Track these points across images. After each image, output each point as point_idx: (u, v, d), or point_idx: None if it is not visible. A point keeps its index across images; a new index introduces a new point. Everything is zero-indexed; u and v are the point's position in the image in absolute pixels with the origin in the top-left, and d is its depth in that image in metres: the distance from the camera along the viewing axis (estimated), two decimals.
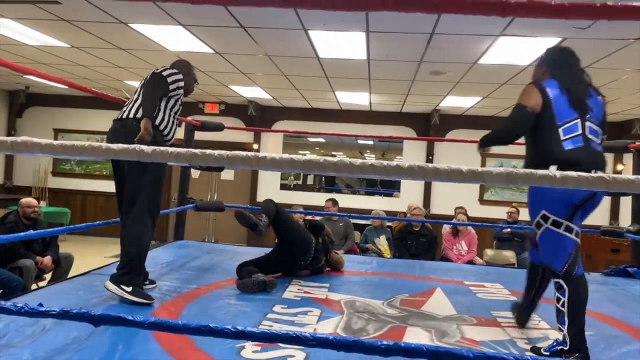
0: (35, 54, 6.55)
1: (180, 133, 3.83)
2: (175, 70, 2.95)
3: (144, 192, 2.80)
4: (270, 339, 1.22)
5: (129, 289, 2.69)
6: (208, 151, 1.16)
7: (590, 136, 2.33)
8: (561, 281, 2.29)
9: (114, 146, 1.15)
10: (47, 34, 5.62)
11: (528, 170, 1.11)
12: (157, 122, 2.83)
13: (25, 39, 5.86)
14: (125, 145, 1.18)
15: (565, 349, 2.25)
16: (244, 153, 1.18)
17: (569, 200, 2.27)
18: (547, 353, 2.33)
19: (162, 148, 1.15)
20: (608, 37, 4.50)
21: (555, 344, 2.35)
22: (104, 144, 1.16)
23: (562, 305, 2.28)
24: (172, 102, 2.94)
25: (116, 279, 2.71)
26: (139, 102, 2.85)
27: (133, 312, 2.38)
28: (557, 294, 2.32)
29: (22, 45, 6.12)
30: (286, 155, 1.17)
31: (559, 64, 2.49)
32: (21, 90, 9.81)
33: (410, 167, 1.10)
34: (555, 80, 2.40)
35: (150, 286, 3.07)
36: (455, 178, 1.10)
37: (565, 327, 2.26)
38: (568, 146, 2.30)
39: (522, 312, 2.81)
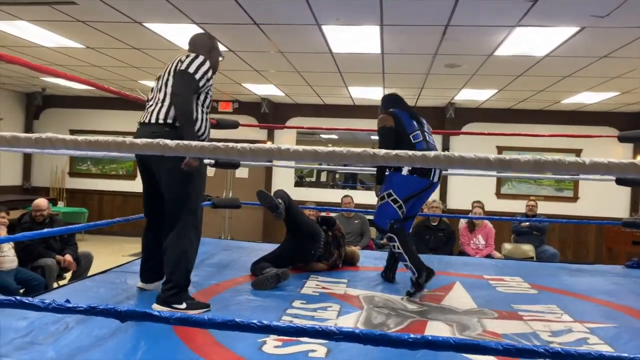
0: (51, 56, 6.61)
1: None
2: (201, 60, 2.65)
3: (189, 206, 2.64)
4: (296, 332, 1.21)
5: (183, 306, 2.56)
6: (231, 144, 1.15)
7: (428, 140, 3.44)
8: (390, 234, 3.28)
9: (138, 141, 1.15)
10: (63, 35, 5.67)
11: (557, 158, 1.09)
12: None
13: (41, 41, 5.92)
14: (148, 140, 1.17)
15: (415, 275, 3.16)
16: (267, 145, 1.17)
17: (410, 189, 3.29)
18: (413, 290, 3.16)
19: (185, 142, 1.15)
20: (626, 25, 4.42)
21: (410, 279, 3.23)
22: (128, 139, 1.16)
23: (398, 249, 3.25)
24: (202, 97, 2.70)
25: (165, 301, 2.55)
26: (167, 103, 2.63)
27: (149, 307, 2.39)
28: (391, 244, 3.30)
29: (38, 47, 6.19)
30: (309, 147, 1.16)
31: (394, 101, 3.61)
32: (38, 92, 9.93)
33: (437, 156, 1.08)
34: (396, 109, 3.47)
35: None
36: (483, 166, 1.08)
37: (408, 261, 3.21)
38: (419, 147, 3.36)
39: (388, 272, 3.61)
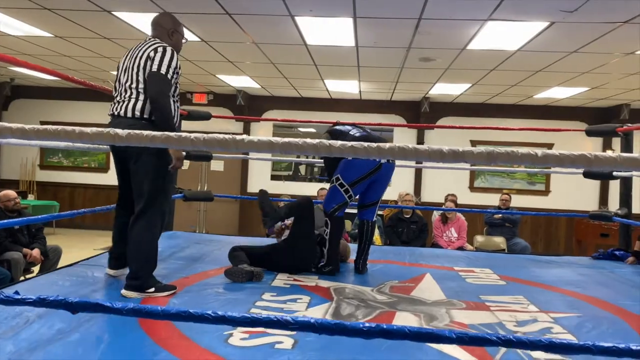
0: (19, 45, 6.44)
1: None
2: (169, 55, 2.69)
3: (161, 193, 2.73)
4: (252, 323, 1.20)
5: (152, 289, 2.68)
6: (184, 134, 1.13)
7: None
8: (327, 218, 3.43)
9: (88, 130, 1.12)
10: (30, 24, 5.52)
11: (509, 149, 1.09)
12: None
13: (7, 29, 5.76)
14: (100, 130, 1.15)
15: (323, 263, 3.41)
16: (221, 135, 1.15)
17: (357, 172, 3.36)
18: (314, 269, 3.42)
19: (137, 131, 1.13)
20: (596, 20, 4.49)
21: (321, 262, 3.43)
22: (78, 128, 1.14)
23: (326, 235, 3.42)
24: (172, 88, 2.76)
25: (133, 287, 2.66)
26: (142, 98, 2.68)
27: (115, 300, 2.36)
28: (324, 228, 3.45)
29: (5, 36, 6.02)
30: (265, 138, 1.15)
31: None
32: (6, 83, 9.66)
33: (391, 148, 1.08)
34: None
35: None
36: (436, 158, 1.08)
37: (326, 248, 3.39)
38: (360, 136, 3.53)
39: (358, 262, 3.61)
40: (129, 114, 2.68)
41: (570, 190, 9.26)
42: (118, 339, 2.06)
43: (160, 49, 2.71)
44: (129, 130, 1.10)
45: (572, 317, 2.75)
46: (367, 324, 1.14)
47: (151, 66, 2.67)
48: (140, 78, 2.71)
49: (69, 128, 1.13)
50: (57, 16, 5.15)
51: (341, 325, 1.17)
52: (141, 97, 2.70)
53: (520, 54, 5.70)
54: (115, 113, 2.74)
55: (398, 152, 1.07)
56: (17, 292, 1.28)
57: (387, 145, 1.07)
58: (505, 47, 5.55)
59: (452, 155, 1.07)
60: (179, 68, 2.78)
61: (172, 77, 2.70)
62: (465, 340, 1.09)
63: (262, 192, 3.67)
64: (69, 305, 1.22)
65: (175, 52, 2.75)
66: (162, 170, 2.70)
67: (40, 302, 1.24)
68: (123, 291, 2.67)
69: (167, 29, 2.88)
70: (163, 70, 2.66)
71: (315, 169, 10.24)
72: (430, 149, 1.05)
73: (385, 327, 1.12)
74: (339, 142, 1.10)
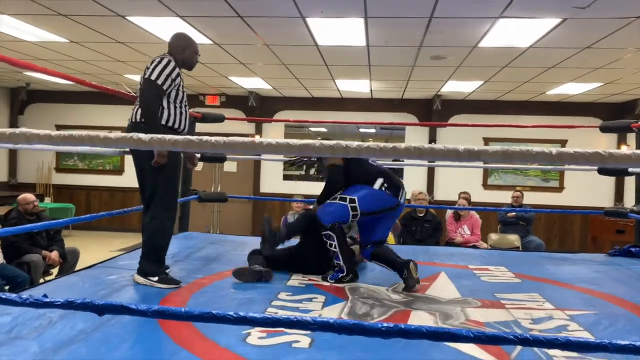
0: (34, 50, 6.55)
1: None
2: (164, 63, 2.95)
3: (161, 187, 2.97)
4: (272, 324, 1.23)
5: (156, 278, 2.93)
6: (205, 137, 1.16)
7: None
8: (329, 232, 3.27)
9: (112, 135, 1.16)
10: (46, 30, 5.62)
11: (524, 148, 1.11)
12: (164, 121, 2.96)
13: (23, 35, 5.86)
14: (123, 135, 1.18)
15: (342, 274, 3.25)
16: (241, 138, 1.18)
17: (377, 205, 3.28)
18: (333, 280, 3.24)
19: (158, 136, 1.16)
20: (608, 16, 4.46)
21: (336, 273, 3.27)
22: (102, 134, 1.17)
23: (335, 247, 3.28)
24: (172, 94, 2.99)
25: (143, 272, 2.96)
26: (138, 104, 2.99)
27: (138, 302, 2.40)
28: (328, 242, 3.30)
29: (21, 42, 6.12)
30: (282, 140, 1.17)
31: None
32: (22, 87, 9.82)
33: (407, 148, 1.10)
34: None
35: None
36: (452, 157, 1.10)
37: (341, 260, 3.26)
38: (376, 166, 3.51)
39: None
40: (132, 119, 2.99)
41: (584, 187, 9.18)
42: (139, 338, 2.10)
43: (157, 60, 2.99)
44: (152, 135, 1.14)
45: (589, 314, 2.73)
46: (385, 324, 1.15)
47: (144, 75, 2.98)
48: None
49: (93, 133, 1.17)
50: (73, 22, 5.23)
51: (360, 326, 1.18)
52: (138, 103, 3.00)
53: (533, 50, 5.67)
54: (128, 119, 3.06)
55: (414, 151, 1.09)
56: (45, 295, 1.32)
57: (403, 145, 1.09)
58: (517, 44, 5.53)
59: (468, 155, 1.08)
60: (178, 75, 3.01)
61: (164, 82, 2.93)
62: (482, 339, 1.10)
63: (266, 218, 3.62)
64: (95, 307, 1.26)
65: (172, 61, 2.99)
66: (159, 167, 2.91)
67: (68, 305, 1.28)
68: (134, 275, 3.01)
69: (179, 46, 3.12)
70: (153, 76, 2.92)
71: None
72: (446, 148, 1.07)
73: (403, 326, 1.14)
74: (355, 143, 1.13)
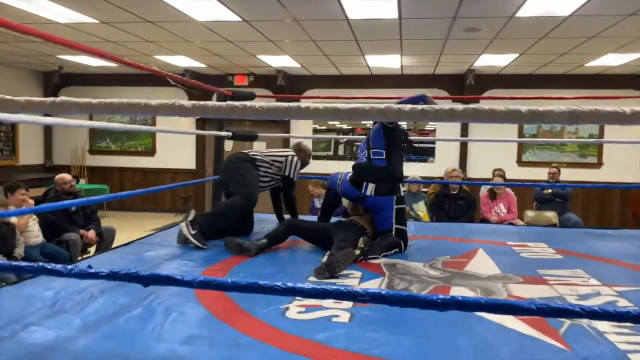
0: (65, 32, 6.60)
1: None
2: (295, 163, 3.98)
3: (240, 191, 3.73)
4: (321, 295, 1.19)
5: (194, 232, 3.27)
6: (248, 103, 1.11)
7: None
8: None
9: (153, 102, 1.12)
10: (76, 10, 5.64)
11: (593, 107, 1.02)
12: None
13: (55, 17, 5.90)
14: (163, 102, 1.15)
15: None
16: (285, 104, 1.13)
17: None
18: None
19: (202, 102, 1.12)
20: None
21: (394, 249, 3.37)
22: (143, 100, 1.13)
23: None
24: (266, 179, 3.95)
25: (192, 222, 3.33)
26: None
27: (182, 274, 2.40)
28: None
29: (52, 24, 6.17)
30: (330, 105, 1.12)
31: None
32: (55, 71, 9.97)
33: (464, 110, 1.03)
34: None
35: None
36: (513, 119, 1.02)
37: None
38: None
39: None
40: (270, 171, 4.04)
41: (624, 162, 8.87)
42: (179, 314, 2.10)
43: (292, 161, 3.99)
44: (194, 102, 1.10)
45: (638, 290, 2.63)
46: (441, 296, 1.10)
47: (287, 173, 4.00)
48: (273, 170, 4.03)
49: (134, 101, 1.13)
50: (104, 2, 5.24)
51: (413, 297, 1.13)
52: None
53: (573, 19, 5.42)
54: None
55: (472, 113, 1.02)
56: (90, 266, 1.31)
57: (461, 106, 1.02)
58: (556, 13, 5.29)
59: (531, 116, 1.01)
60: (300, 167, 4.08)
61: (295, 175, 4.02)
62: (546, 311, 1.04)
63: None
64: (141, 278, 1.24)
65: (297, 159, 4.02)
66: (240, 176, 3.77)
67: (112, 276, 1.27)
68: (181, 224, 3.39)
69: (296, 150, 4.13)
70: (291, 175, 4.00)
71: (355, 148, 10.17)
72: (507, 109, 0.99)
73: (461, 298, 1.08)
74: (408, 106, 1.06)
